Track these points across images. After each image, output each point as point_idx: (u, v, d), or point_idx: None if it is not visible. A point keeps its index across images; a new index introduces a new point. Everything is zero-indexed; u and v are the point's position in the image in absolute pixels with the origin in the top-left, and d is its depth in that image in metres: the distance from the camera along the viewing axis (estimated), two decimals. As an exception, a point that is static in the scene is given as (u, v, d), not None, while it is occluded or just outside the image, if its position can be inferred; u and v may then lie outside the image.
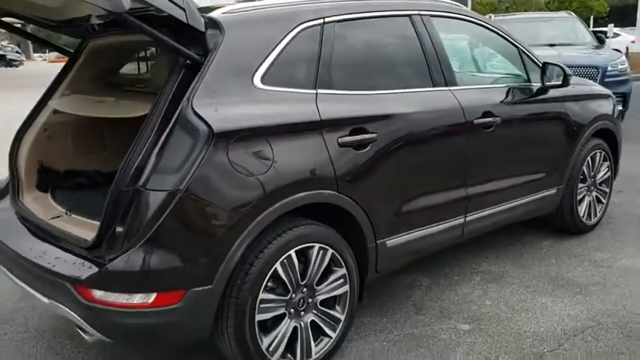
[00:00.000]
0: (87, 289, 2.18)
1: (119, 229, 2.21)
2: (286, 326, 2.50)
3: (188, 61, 2.35)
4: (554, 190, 3.89)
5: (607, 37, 20.04)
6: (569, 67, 7.81)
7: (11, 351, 2.94)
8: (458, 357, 2.74)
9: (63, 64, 3.26)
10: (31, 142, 3.06)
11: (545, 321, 3.05)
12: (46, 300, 2.37)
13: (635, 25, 19.46)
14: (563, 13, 10.82)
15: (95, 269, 2.18)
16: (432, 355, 2.76)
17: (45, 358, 2.87)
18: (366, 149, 2.67)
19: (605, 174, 4.33)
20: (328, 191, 2.54)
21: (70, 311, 2.25)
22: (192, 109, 2.23)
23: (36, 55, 54.29)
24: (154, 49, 3.44)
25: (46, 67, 35.22)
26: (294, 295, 2.50)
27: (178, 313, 2.20)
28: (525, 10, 46.29)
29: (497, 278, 3.58)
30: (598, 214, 4.34)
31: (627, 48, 17.65)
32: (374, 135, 2.70)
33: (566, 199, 4.02)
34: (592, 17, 46.13)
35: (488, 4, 62.60)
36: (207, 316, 2.28)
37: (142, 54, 3.56)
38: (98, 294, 2.17)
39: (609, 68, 7.88)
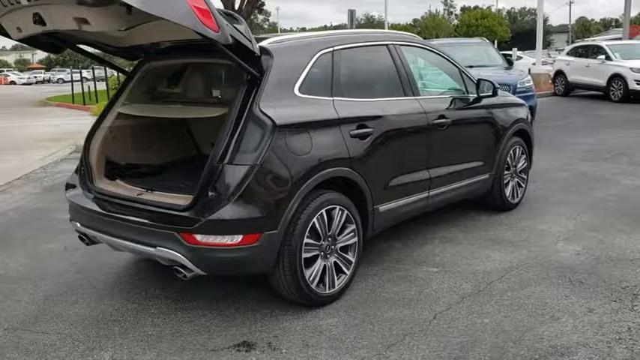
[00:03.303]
0: (191, 234, 3.11)
1: (211, 193, 3.16)
2: (319, 264, 3.51)
3: (249, 77, 3.35)
4: (487, 176, 5.13)
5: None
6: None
7: (94, 302, 3.78)
8: (434, 285, 3.86)
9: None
10: (100, 141, 3.92)
11: (490, 264, 4.23)
12: (152, 249, 3.26)
13: (534, 49, 22.20)
14: (477, 39, 12.53)
15: (197, 221, 3.11)
16: (416, 286, 3.86)
17: (120, 305, 3.73)
18: (367, 139, 3.76)
19: (523, 164, 5.64)
20: (345, 168, 3.60)
21: (176, 253, 3.16)
22: (260, 109, 3.24)
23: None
24: (190, 70, 4.37)
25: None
26: (323, 242, 3.52)
27: (256, 249, 3.18)
28: (437, 35, 49.40)
29: (451, 241, 4.75)
30: (520, 195, 5.64)
31: (529, 70, 19.88)
32: (371, 130, 3.80)
33: (496, 183, 5.27)
34: (496, 41, 50.07)
35: (402, 29, 65.83)
36: (273, 252, 3.25)
37: (181, 74, 4.47)
38: (199, 237, 3.11)
39: (518, 85, 9.47)
